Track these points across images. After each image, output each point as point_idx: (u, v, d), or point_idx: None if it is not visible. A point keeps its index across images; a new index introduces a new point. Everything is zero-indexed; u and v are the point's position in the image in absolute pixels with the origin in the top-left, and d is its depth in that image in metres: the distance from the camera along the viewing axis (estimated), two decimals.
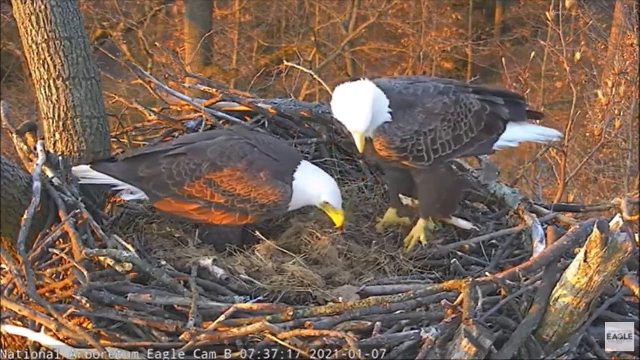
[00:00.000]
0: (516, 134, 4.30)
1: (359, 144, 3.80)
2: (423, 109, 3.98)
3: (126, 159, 4.18)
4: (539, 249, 3.74)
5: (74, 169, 4.17)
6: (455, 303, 3.15)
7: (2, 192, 3.80)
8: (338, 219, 4.04)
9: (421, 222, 4.17)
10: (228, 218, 4.00)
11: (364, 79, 3.96)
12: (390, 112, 3.89)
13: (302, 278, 3.71)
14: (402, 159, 3.95)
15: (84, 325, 3.30)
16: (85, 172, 4.15)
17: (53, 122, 4.31)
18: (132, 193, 4.16)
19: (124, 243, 3.71)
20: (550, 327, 3.27)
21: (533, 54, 6.76)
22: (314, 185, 4.04)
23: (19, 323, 3.40)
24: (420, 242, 4.15)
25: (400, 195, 4.30)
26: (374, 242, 4.13)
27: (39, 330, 3.29)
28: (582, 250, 3.14)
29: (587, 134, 11.34)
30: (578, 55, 7.67)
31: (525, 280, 3.36)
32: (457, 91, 4.10)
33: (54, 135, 4.31)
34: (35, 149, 4.26)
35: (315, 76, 7.21)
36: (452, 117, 4.02)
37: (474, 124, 4.09)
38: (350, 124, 3.81)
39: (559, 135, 4.60)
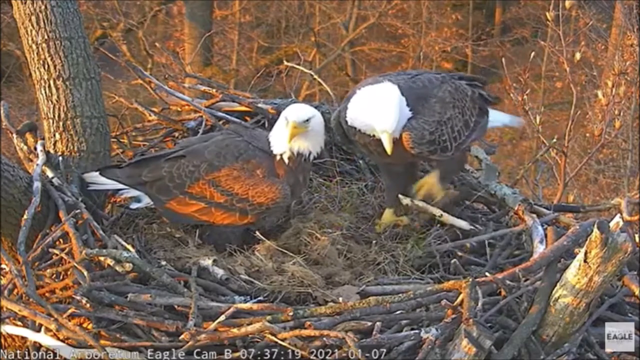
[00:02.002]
0: (496, 115, 4.46)
1: (388, 144, 3.79)
2: (437, 99, 4.03)
3: (131, 164, 4.24)
4: (539, 249, 3.74)
5: (84, 175, 4.22)
6: (455, 303, 3.15)
7: (2, 192, 3.80)
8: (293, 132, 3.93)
9: (436, 172, 4.20)
10: (229, 218, 4.01)
11: (384, 80, 3.98)
12: (409, 108, 3.91)
13: (302, 278, 3.71)
14: (431, 152, 3.98)
15: (84, 325, 3.30)
16: (94, 178, 4.21)
17: (53, 122, 4.31)
18: (138, 201, 4.20)
19: (124, 243, 3.71)
20: (550, 327, 3.27)
21: (533, 54, 6.77)
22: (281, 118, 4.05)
23: (19, 323, 3.40)
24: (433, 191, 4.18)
25: (400, 195, 4.29)
26: (373, 242, 4.13)
27: (39, 330, 3.29)
28: (582, 251, 3.14)
29: (587, 134, 11.34)
30: (578, 56, 7.66)
31: (525, 281, 3.36)
32: (450, 78, 4.20)
33: (54, 135, 4.31)
34: (35, 149, 4.27)
35: (315, 76, 7.22)
36: (458, 103, 4.11)
37: (472, 108, 4.20)
38: (379, 124, 3.80)
39: (520, 121, 4.83)
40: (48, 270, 3.57)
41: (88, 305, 3.25)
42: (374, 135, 3.89)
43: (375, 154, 4.05)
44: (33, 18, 4.20)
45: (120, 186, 4.18)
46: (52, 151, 4.28)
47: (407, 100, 3.91)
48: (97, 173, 4.21)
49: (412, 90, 3.98)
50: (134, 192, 4.19)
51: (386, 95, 3.87)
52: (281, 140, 3.99)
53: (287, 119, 3.94)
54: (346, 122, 4.01)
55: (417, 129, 3.91)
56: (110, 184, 4.19)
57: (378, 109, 3.82)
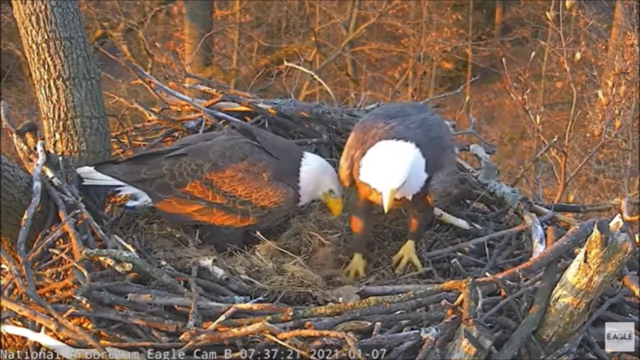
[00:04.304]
0: None
1: (387, 202, 3.62)
2: (450, 148, 4.01)
3: (129, 160, 4.20)
4: (539, 249, 3.74)
5: (78, 169, 4.18)
6: (455, 303, 3.15)
7: (2, 192, 3.80)
8: (337, 207, 4.13)
9: (411, 243, 4.07)
10: (230, 219, 4.00)
11: (406, 140, 3.76)
12: (427, 165, 3.76)
13: (302, 278, 3.72)
14: (445, 202, 3.95)
15: (84, 325, 3.30)
16: (89, 173, 4.17)
17: (53, 122, 4.31)
18: (135, 199, 4.17)
19: (124, 243, 3.71)
20: (550, 327, 3.27)
21: (533, 54, 6.75)
22: (320, 178, 4.08)
23: (19, 323, 3.40)
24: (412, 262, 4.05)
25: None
26: (375, 245, 4.13)
27: (39, 330, 3.29)
28: (582, 251, 3.14)
29: (587, 134, 11.33)
30: (578, 56, 7.64)
31: (525, 281, 3.35)
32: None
33: (54, 135, 4.31)
34: (35, 149, 4.27)
35: (315, 76, 7.20)
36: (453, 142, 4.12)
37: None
38: (385, 181, 3.64)
39: None
40: (48, 270, 3.57)
41: (88, 305, 3.25)
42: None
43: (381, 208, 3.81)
44: (33, 18, 4.20)
45: (117, 182, 4.13)
46: (52, 151, 4.28)
47: (428, 159, 3.75)
48: (92, 168, 4.16)
49: (431, 144, 3.81)
50: (131, 190, 4.15)
51: (399, 154, 3.71)
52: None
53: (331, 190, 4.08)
54: (359, 176, 3.85)
55: (443, 183, 3.82)
56: (105, 180, 4.14)
57: (387, 167, 3.67)
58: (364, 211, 4.04)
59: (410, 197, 3.80)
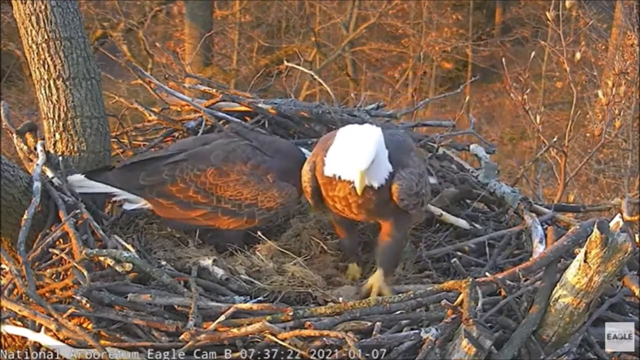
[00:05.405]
0: None
1: (359, 184, 3.51)
2: (414, 152, 3.93)
3: (124, 167, 4.14)
4: (539, 249, 3.74)
5: (68, 178, 4.10)
6: (455, 303, 3.15)
7: (2, 192, 3.80)
8: None
9: (380, 272, 3.83)
10: (235, 222, 3.99)
11: (370, 123, 3.77)
12: (390, 160, 3.67)
13: (302, 278, 3.72)
14: (415, 206, 3.74)
15: (84, 325, 3.30)
16: (81, 182, 4.10)
17: (53, 122, 4.31)
18: (131, 202, 4.12)
19: (124, 243, 3.70)
20: (550, 327, 3.27)
21: (533, 54, 6.75)
22: None
23: (19, 323, 3.40)
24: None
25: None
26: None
27: (39, 330, 3.29)
28: (582, 251, 3.14)
29: (587, 134, 11.34)
30: (578, 56, 7.64)
31: (525, 281, 3.35)
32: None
33: (54, 135, 4.31)
34: (35, 149, 4.27)
35: (316, 76, 7.19)
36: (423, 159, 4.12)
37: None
38: (352, 161, 3.53)
39: None
40: (48, 270, 3.57)
41: (88, 305, 3.24)
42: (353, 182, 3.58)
43: (354, 206, 3.67)
44: (33, 18, 4.20)
45: (112, 190, 4.08)
46: (52, 151, 4.28)
47: (390, 152, 3.65)
48: (83, 176, 4.10)
49: (391, 140, 3.72)
50: (127, 196, 4.09)
51: (365, 135, 3.63)
52: None
53: None
54: (323, 174, 3.70)
55: (407, 180, 3.68)
56: (99, 188, 4.09)
57: (354, 147, 3.57)
58: (343, 221, 3.94)
59: (375, 187, 3.62)
